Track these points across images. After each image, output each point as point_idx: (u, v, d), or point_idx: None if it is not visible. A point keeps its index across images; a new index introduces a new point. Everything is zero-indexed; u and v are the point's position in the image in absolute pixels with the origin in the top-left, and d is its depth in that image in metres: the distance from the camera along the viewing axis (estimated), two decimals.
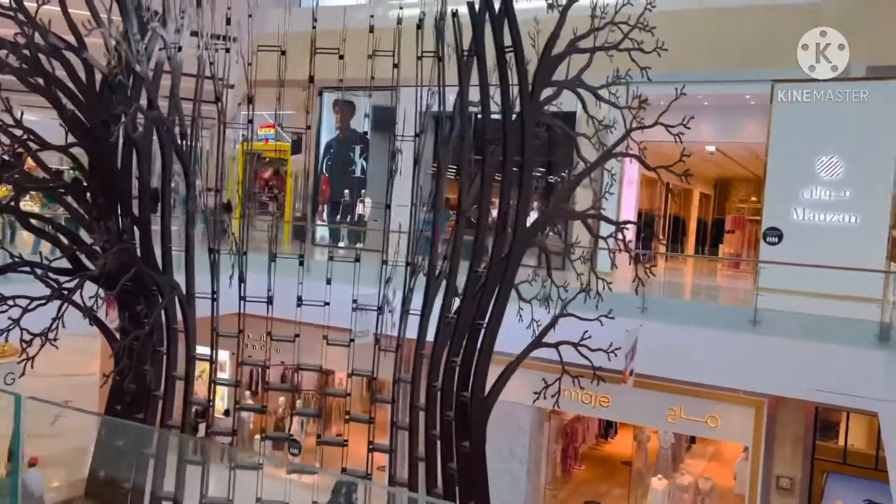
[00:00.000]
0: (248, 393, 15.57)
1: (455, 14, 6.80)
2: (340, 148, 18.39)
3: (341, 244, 17.00)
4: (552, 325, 7.16)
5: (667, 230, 21.52)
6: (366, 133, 18.02)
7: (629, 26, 7.35)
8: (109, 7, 6.58)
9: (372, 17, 8.09)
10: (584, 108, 7.35)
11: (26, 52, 6.24)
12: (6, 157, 6.29)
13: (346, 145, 18.31)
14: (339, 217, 17.78)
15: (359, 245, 14.43)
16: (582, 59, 7.37)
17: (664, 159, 7.75)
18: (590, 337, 7.20)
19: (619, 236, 7.66)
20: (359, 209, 17.49)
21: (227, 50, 7.88)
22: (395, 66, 7.94)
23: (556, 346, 7.05)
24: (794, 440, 11.44)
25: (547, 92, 7.06)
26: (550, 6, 6.96)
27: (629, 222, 7.67)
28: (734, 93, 14.21)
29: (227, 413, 16.04)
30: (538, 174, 8.34)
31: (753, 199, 23.75)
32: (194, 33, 7.23)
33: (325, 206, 18.87)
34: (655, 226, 19.72)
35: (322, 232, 18.53)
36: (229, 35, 7.86)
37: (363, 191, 17.64)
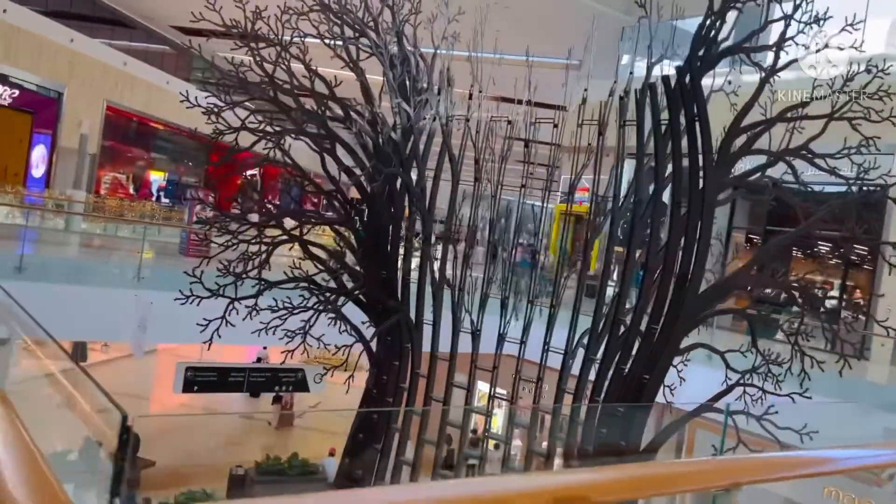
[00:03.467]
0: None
1: (652, 87, 7.30)
2: (636, 212, 18.89)
3: None
4: (727, 392, 7.02)
5: None
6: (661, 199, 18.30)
7: (857, 94, 7.04)
8: (381, 90, 8.52)
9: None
10: (797, 178, 7.15)
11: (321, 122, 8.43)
12: (296, 202, 8.55)
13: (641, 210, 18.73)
14: None
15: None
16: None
17: None
18: (776, 412, 6.87)
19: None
20: None
21: (556, 125, 9.29)
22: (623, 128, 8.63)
23: (730, 413, 6.89)
24: None
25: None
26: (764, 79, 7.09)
27: (831, 298, 7.11)
28: None
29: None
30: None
31: None
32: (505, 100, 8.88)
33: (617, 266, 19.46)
34: None
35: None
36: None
37: None
